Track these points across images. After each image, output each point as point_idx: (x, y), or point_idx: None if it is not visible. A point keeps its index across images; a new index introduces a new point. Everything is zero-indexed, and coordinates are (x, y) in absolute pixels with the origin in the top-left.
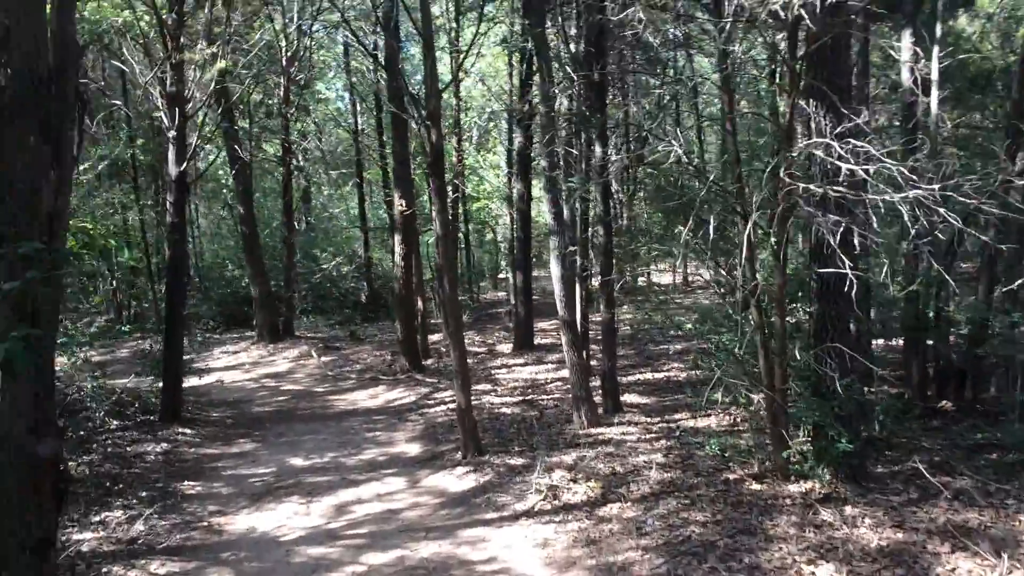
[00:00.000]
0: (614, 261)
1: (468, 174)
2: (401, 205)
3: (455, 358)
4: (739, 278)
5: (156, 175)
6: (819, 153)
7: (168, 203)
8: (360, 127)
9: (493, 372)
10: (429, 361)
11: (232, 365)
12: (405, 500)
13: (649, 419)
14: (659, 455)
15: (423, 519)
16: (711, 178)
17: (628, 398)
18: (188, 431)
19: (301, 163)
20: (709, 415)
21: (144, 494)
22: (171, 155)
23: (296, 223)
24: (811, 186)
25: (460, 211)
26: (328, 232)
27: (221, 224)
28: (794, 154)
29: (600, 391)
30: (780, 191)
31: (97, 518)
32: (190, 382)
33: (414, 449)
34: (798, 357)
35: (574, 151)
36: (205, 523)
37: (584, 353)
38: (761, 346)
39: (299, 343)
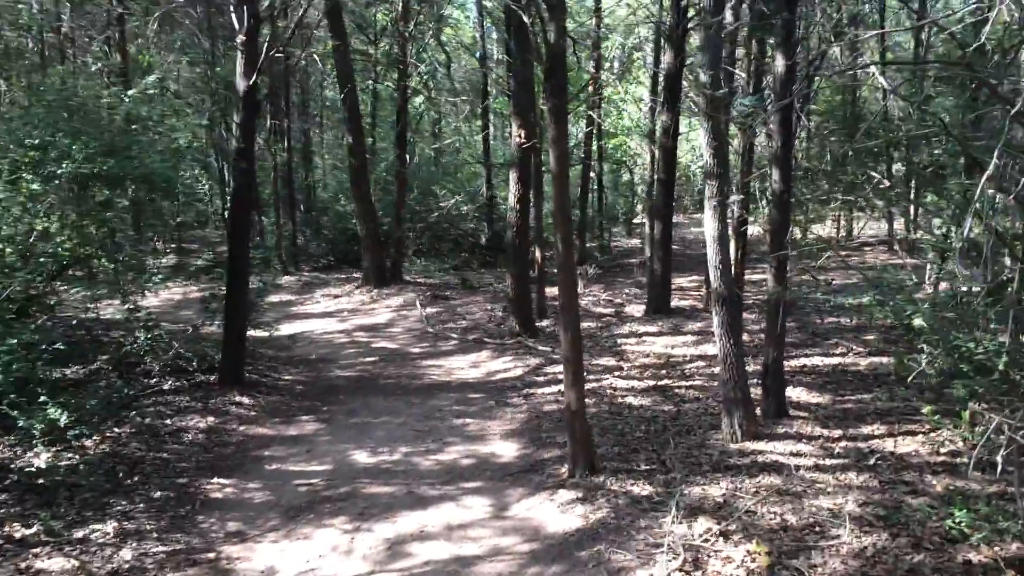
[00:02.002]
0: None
1: (606, 105)
2: (519, 136)
3: (565, 342)
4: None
5: (275, 97)
6: None
7: (234, 124)
8: (495, 56)
9: (620, 342)
10: (545, 322)
11: (330, 311)
12: (484, 541)
13: (827, 430)
14: (851, 499)
15: None
16: None
17: (794, 393)
18: (246, 400)
19: (431, 92)
20: (915, 433)
21: (158, 495)
22: (239, 66)
23: (414, 156)
24: None
25: (595, 147)
26: (449, 167)
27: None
28: None
29: (759, 387)
30: None
31: (81, 532)
32: (277, 331)
33: (509, 450)
34: None
35: (739, 72)
36: (212, 553)
37: (741, 339)
38: None
39: (406, 289)
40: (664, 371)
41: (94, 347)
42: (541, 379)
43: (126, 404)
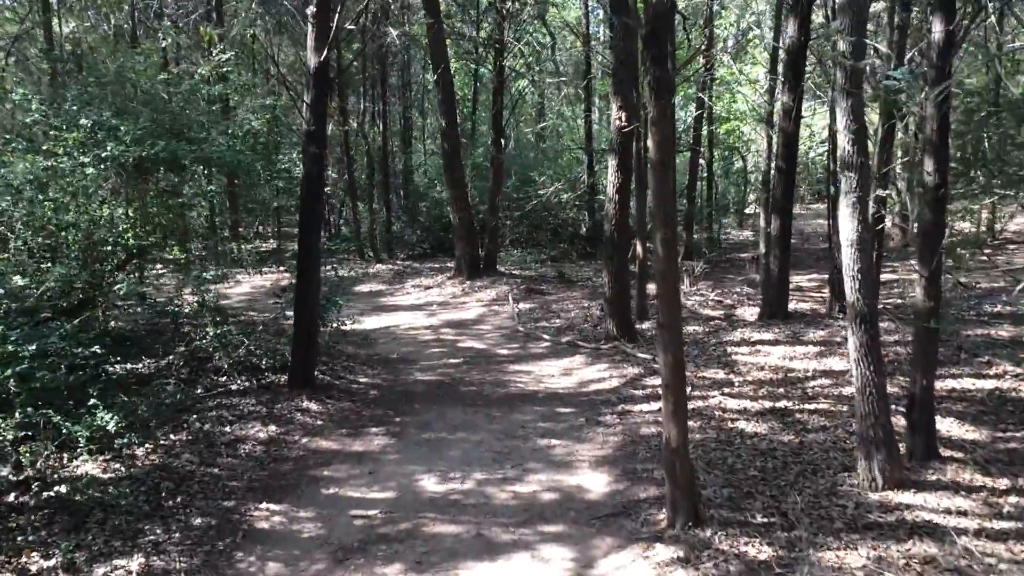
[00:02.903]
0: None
1: (718, 87)
2: (619, 118)
3: (665, 366)
4: None
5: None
6: None
7: (304, 104)
8: (601, 37)
9: (730, 351)
10: (646, 324)
11: (419, 304)
12: None
13: (989, 479)
14: None
15: None
16: None
17: (943, 426)
18: (314, 406)
19: (533, 74)
20: None
21: (198, 522)
22: (309, 40)
23: (510, 141)
24: None
25: (704, 133)
26: (549, 153)
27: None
28: None
29: (903, 419)
30: None
31: (103, 570)
32: (361, 324)
33: (599, 484)
34: None
35: (878, 46)
36: None
37: (883, 366)
38: None
39: (499, 281)
40: (782, 389)
41: (170, 339)
42: (639, 393)
43: (187, 407)
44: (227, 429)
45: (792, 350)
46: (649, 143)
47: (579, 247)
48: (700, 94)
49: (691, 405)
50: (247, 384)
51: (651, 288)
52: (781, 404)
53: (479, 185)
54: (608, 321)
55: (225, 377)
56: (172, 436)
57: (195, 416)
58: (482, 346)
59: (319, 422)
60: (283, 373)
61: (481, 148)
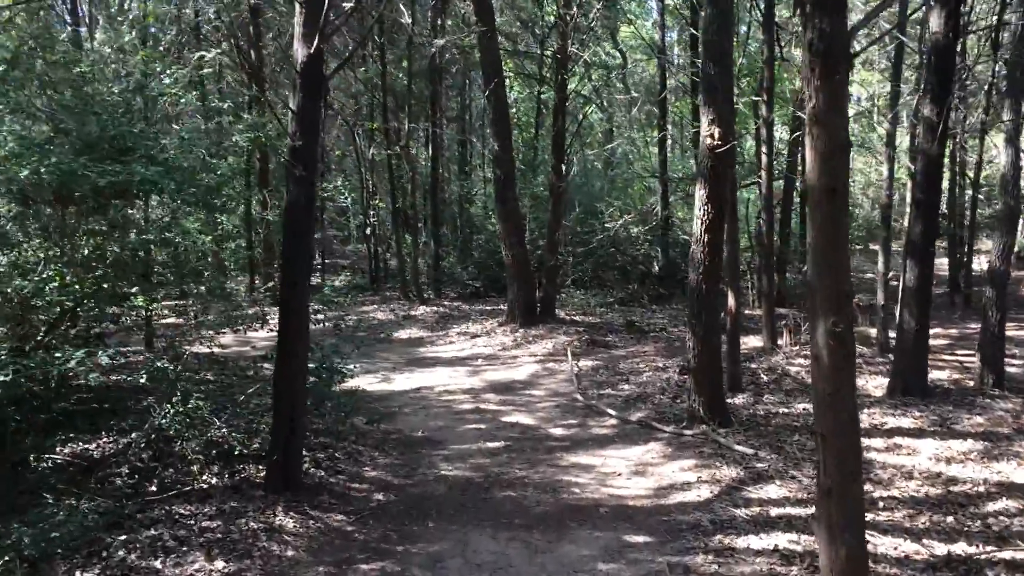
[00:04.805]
0: None
1: None
2: (710, 135)
3: (830, 569)
4: None
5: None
6: None
7: (291, 109)
8: (676, 60)
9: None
10: (739, 399)
11: (462, 356)
12: None
13: None
14: None
15: None
16: None
17: None
18: (291, 524)
19: (600, 97)
20: None
21: None
22: (297, 27)
23: (572, 168)
24: None
25: (799, 158)
26: (617, 181)
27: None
28: None
29: None
30: None
31: None
32: (390, 384)
33: None
34: None
35: None
36: None
37: None
38: None
39: (558, 330)
40: (951, 518)
41: (124, 415)
42: (741, 513)
43: (114, 523)
44: (157, 565)
45: (946, 446)
46: (807, 155)
47: (651, 288)
48: (800, 112)
49: None
50: (216, 480)
51: (748, 342)
52: (958, 548)
53: (539, 217)
54: (693, 397)
55: (185, 469)
56: (78, 575)
57: (123, 538)
58: (531, 421)
59: (290, 552)
60: (260, 462)
61: (542, 176)
